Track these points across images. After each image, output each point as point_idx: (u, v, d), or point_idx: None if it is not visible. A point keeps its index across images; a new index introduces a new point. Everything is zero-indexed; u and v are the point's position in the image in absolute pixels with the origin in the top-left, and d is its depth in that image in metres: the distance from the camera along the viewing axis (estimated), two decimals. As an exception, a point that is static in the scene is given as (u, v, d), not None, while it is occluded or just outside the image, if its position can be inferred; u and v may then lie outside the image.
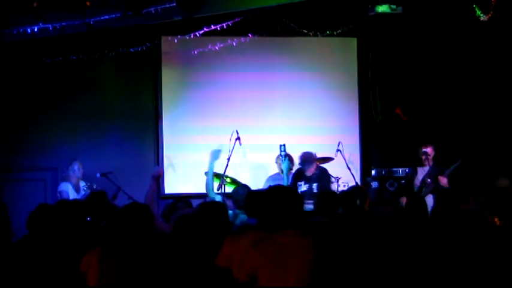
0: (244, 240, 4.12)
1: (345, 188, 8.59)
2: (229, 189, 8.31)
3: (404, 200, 8.30)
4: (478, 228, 4.86)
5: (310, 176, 8.28)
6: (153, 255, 4.35)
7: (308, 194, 7.99)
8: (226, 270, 4.04)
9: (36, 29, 7.52)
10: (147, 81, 9.97)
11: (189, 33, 8.79)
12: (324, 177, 8.37)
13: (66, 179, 8.31)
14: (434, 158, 8.32)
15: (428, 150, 8.36)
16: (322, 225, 5.17)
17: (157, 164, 9.82)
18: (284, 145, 8.01)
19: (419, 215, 5.29)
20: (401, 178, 9.32)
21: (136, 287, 4.25)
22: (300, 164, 8.36)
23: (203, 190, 7.80)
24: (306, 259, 3.89)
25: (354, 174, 8.88)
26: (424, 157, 8.32)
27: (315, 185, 8.21)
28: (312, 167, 8.28)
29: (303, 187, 8.23)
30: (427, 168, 8.31)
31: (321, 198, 5.98)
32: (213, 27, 8.34)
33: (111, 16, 7.54)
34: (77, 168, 8.29)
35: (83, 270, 4.37)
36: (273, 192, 4.08)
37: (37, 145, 9.29)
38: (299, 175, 8.35)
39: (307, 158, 8.30)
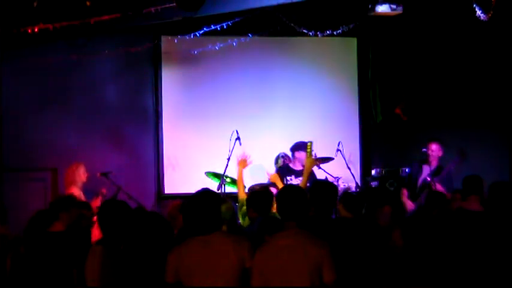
0: (185, 249, 4.15)
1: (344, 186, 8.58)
2: (229, 189, 8.34)
3: (404, 192, 8.27)
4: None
5: (299, 171, 8.09)
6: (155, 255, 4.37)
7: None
8: (177, 284, 4.08)
9: (36, 29, 7.52)
10: (147, 81, 9.97)
11: (189, 33, 8.79)
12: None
13: (73, 183, 8.24)
14: (438, 157, 8.27)
15: (433, 147, 8.26)
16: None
17: (157, 164, 9.83)
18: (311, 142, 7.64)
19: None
20: (401, 178, 9.29)
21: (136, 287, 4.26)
22: (291, 149, 8.32)
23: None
24: (231, 261, 3.99)
25: (354, 174, 8.89)
26: (428, 154, 8.24)
27: None
28: (301, 159, 8.04)
29: (294, 182, 8.04)
30: (430, 166, 8.23)
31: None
32: (213, 27, 8.34)
33: (111, 16, 7.54)
34: (82, 173, 8.27)
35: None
36: (198, 198, 4.21)
37: (37, 145, 9.27)
38: (287, 170, 8.26)
39: (299, 144, 8.18)
